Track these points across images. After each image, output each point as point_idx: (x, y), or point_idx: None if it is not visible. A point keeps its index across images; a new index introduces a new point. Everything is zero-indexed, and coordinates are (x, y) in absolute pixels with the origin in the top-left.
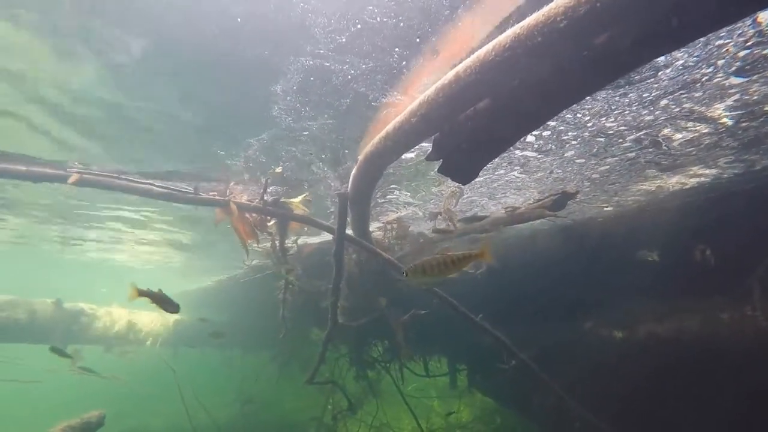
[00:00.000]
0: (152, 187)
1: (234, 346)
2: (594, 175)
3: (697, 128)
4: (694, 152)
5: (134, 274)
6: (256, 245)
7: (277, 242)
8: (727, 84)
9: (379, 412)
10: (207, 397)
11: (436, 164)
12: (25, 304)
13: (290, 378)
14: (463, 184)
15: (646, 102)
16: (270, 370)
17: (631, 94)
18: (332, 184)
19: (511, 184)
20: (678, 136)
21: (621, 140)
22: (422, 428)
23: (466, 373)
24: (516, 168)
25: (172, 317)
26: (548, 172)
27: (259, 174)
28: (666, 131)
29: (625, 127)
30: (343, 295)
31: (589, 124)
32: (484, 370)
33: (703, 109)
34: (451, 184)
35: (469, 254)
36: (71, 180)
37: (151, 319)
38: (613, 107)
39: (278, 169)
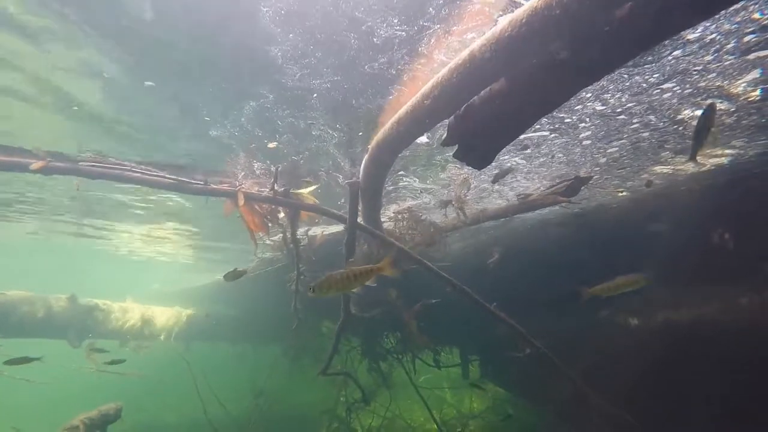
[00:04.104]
0: (162, 179)
1: (246, 340)
2: (601, 159)
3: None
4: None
5: (177, 269)
6: (266, 238)
7: (288, 233)
8: (752, 57)
9: (392, 404)
10: (219, 390)
11: (440, 148)
12: (41, 300)
13: (302, 371)
14: (479, 170)
15: (662, 80)
16: (282, 363)
17: (636, 77)
18: (341, 163)
19: (521, 170)
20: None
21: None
22: (435, 419)
23: (479, 363)
24: (524, 152)
25: (185, 312)
26: (550, 156)
27: (254, 146)
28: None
29: (635, 104)
30: None
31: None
32: (496, 360)
33: (725, 84)
34: (460, 170)
35: (371, 268)
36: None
37: (164, 314)
38: (625, 85)
39: (271, 145)
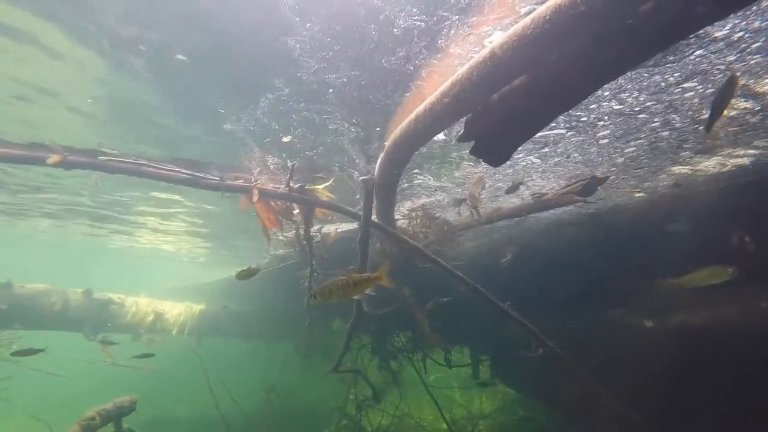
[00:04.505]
0: (178, 173)
1: (258, 337)
2: (619, 159)
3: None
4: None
5: (192, 265)
6: (280, 234)
7: (302, 230)
8: None
9: (401, 403)
10: (230, 385)
11: (455, 146)
12: (58, 294)
13: (313, 368)
14: (495, 167)
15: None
16: (293, 360)
17: (656, 76)
18: (357, 159)
19: (537, 169)
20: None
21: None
22: (445, 418)
23: (489, 363)
24: (542, 150)
25: (197, 307)
26: (565, 156)
27: (268, 140)
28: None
29: (655, 102)
30: None
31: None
32: (507, 360)
33: (750, 82)
34: (475, 168)
35: (368, 277)
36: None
37: (176, 309)
38: (643, 84)
39: (285, 139)
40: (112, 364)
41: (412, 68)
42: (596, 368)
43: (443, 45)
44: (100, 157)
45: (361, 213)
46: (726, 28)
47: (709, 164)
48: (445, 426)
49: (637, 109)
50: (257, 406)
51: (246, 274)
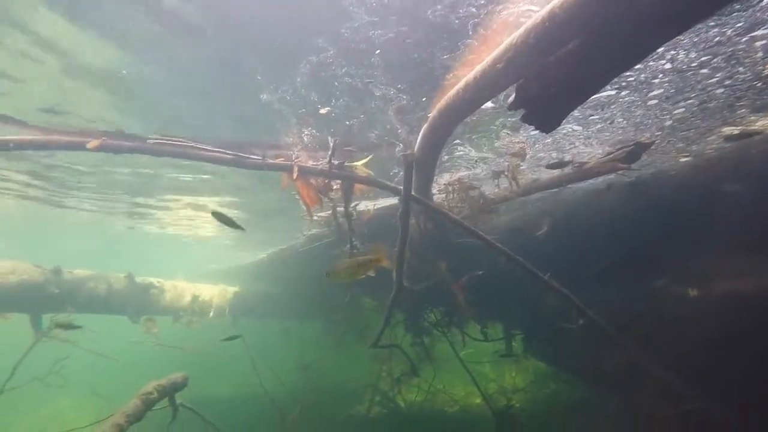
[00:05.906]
0: (224, 155)
1: (290, 316)
2: (667, 122)
3: None
4: None
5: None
6: (318, 212)
7: (339, 208)
8: None
9: (434, 379)
10: (267, 364)
11: (496, 115)
12: (102, 278)
13: (345, 346)
14: (547, 132)
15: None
16: (326, 339)
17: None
18: (399, 129)
19: (578, 136)
20: None
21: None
22: (482, 391)
23: (522, 338)
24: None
25: (231, 289)
26: (609, 122)
27: (302, 111)
28: None
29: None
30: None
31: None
32: (542, 334)
33: None
34: (515, 138)
35: (369, 259)
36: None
37: (213, 291)
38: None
39: (323, 110)
40: (157, 344)
41: (457, 21)
42: (638, 338)
43: None
44: (148, 141)
45: (401, 187)
46: None
47: (767, 122)
48: (477, 401)
49: (694, 65)
50: (292, 384)
51: (221, 217)
